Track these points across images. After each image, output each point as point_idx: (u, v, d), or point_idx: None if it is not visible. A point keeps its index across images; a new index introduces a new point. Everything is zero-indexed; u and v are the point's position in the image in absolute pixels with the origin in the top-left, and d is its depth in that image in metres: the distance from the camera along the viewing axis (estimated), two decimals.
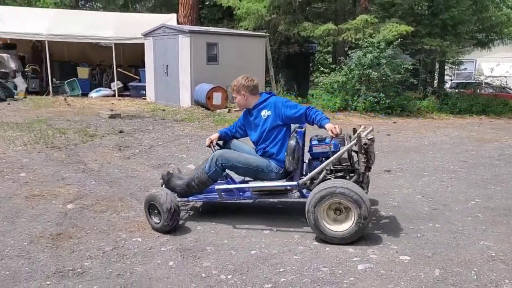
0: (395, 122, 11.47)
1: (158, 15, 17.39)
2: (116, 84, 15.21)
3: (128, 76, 15.98)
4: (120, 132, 8.45)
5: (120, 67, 15.85)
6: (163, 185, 4.11)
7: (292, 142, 3.78)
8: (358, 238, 3.51)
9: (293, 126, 4.06)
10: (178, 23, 15.90)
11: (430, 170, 6.23)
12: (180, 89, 12.60)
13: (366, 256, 3.34)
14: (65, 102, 12.90)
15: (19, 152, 6.61)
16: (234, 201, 4.14)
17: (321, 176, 3.70)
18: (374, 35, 12.72)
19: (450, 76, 21.84)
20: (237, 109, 11.51)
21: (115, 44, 15.06)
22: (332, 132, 3.62)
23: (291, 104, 3.91)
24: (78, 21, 15.35)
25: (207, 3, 20.19)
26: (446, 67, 19.73)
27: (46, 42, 14.65)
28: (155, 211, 3.76)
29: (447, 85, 20.51)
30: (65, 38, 14.95)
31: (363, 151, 3.56)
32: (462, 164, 6.64)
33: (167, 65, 12.95)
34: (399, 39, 12.79)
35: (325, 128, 3.70)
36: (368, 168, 3.65)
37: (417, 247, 3.53)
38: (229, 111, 11.45)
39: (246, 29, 15.10)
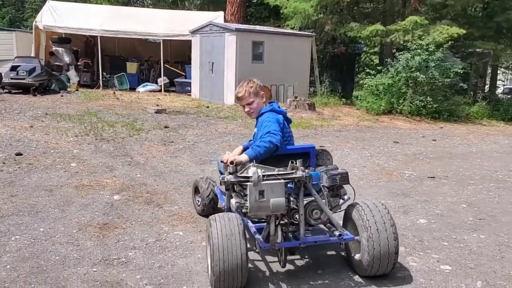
0: (442, 127, 11.15)
1: (205, 13, 17.68)
2: (162, 80, 15.60)
3: (174, 72, 16.35)
4: (165, 127, 8.68)
5: (167, 63, 16.26)
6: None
7: None
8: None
9: None
10: (225, 21, 16.11)
11: (477, 178, 6.03)
12: (225, 87, 12.76)
13: (406, 263, 3.30)
14: (114, 96, 13.38)
15: (70, 143, 6.94)
16: None
17: None
18: (423, 37, 12.36)
19: (503, 81, 20.97)
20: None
21: (163, 40, 15.45)
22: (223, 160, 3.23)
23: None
24: (129, 17, 15.86)
25: (254, 1, 20.33)
26: (498, 71, 18.97)
27: (99, 38, 15.23)
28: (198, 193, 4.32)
29: (499, 91, 19.70)
30: (116, 33, 15.50)
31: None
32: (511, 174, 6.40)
33: (213, 62, 13.15)
34: (450, 42, 12.39)
35: None
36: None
37: (459, 257, 3.44)
38: None
39: (292, 28, 15.09)
